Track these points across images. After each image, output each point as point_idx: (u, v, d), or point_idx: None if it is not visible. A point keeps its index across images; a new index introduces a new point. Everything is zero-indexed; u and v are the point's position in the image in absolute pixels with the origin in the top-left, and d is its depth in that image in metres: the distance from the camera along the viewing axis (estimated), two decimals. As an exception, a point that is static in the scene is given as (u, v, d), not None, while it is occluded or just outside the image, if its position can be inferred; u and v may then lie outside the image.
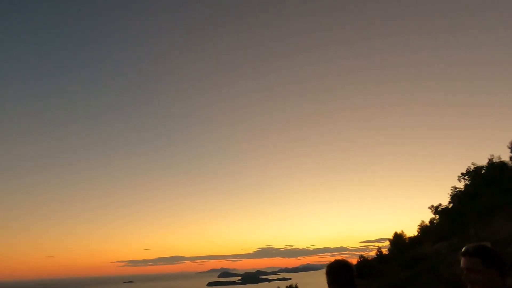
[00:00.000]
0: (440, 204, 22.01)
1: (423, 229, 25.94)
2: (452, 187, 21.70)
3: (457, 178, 20.40)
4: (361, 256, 28.13)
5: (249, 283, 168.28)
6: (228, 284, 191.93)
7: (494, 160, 18.52)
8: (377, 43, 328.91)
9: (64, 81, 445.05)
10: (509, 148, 17.53)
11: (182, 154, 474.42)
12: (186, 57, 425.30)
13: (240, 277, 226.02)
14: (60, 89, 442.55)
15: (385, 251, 28.27)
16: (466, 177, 19.49)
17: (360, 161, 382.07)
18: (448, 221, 18.21)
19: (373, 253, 28.42)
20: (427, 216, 26.35)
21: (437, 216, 22.79)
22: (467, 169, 19.83)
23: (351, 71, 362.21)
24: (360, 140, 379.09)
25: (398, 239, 27.36)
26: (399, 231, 27.87)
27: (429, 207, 23.68)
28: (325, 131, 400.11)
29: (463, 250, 2.18)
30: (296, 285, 24.77)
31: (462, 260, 2.16)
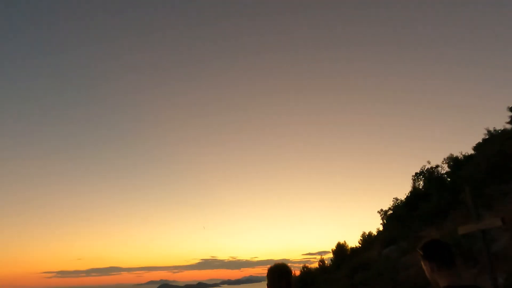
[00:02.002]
0: (390, 208, 22.31)
1: (367, 237, 26.55)
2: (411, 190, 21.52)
3: (411, 177, 20.19)
4: (304, 267, 28.20)
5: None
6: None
7: (448, 160, 18.67)
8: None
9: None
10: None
11: (120, 158, 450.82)
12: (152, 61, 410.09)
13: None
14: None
15: (327, 262, 28.52)
16: (421, 177, 19.76)
17: (303, 174, 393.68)
18: (397, 225, 18.48)
19: (315, 265, 28.54)
20: (370, 228, 26.94)
21: (385, 221, 23.18)
22: (421, 169, 19.95)
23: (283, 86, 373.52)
24: (304, 153, 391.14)
25: (340, 249, 27.72)
26: (341, 242, 28.31)
27: (378, 211, 23.94)
28: (269, 144, 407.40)
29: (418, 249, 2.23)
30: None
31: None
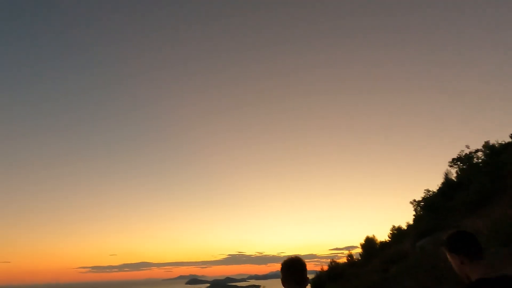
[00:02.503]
0: (424, 198, 20.80)
1: (397, 231, 25.35)
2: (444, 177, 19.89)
3: (448, 164, 18.75)
4: (332, 261, 27.45)
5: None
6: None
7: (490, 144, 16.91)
8: (364, 43, 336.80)
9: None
10: None
11: (151, 159, 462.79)
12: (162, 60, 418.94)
13: (209, 284, 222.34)
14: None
15: (356, 257, 27.66)
16: (458, 163, 18.14)
17: (330, 169, 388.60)
18: (432, 215, 17.16)
19: (343, 260, 27.71)
20: (399, 221, 25.59)
21: (419, 212, 21.70)
22: (458, 154, 18.28)
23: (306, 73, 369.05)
24: (331, 150, 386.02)
25: (369, 243, 26.71)
26: (370, 236, 27.31)
27: (410, 202, 22.46)
28: (295, 139, 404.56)
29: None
30: (263, 287, 23.70)
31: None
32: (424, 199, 20.27)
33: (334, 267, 25.91)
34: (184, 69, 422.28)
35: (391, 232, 26.95)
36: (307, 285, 2.40)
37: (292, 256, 2.48)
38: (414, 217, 22.42)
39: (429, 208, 18.40)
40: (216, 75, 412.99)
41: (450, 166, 18.46)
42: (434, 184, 30.23)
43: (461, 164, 17.76)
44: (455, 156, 18.15)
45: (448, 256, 2.10)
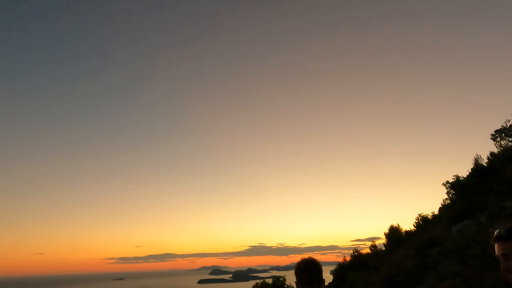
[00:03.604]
0: (459, 178, 19.14)
1: (422, 218, 24.26)
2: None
3: (490, 136, 17.15)
4: (355, 251, 26.77)
5: (240, 281, 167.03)
6: (220, 282, 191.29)
7: None
8: (378, 42, 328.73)
9: (58, 80, 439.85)
10: None
11: (174, 153, 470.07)
12: (178, 59, 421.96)
13: (231, 275, 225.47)
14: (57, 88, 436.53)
15: (379, 247, 26.77)
16: (503, 135, 16.39)
17: (351, 161, 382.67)
18: (470, 197, 15.77)
19: (366, 251, 26.91)
20: (424, 209, 24.23)
21: (452, 195, 20.13)
22: (502, 125, 15.81)
23: (341, 70, 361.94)
24: (352, 141, 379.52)
25: (394, 232, 25.75)
26: (395, 224, 26.35)
27: (443, 184, 20.82)
28: (319, 131, 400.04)
29: (495, 234, 1.84)
30: (284, 277, 23.34)
31: (496, 246, 1.84)
32: (458, 180, 18.77)
33: (357, 257, 25.19)
34: (208, 66, 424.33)
35: (416, 220, 25.92)
36: (323, 287, 2.35)
37: (306, 257, 2.45)
38: (446, 200, 21.07)
39: (465, 189, 16.90)
40: (237, 71, 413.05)
41: (493, 138, 16.75)
42: (461, 170, 28.49)
43: (507, 137, 16.02)
44: (498, 127, 16.37)
45: (500, 247, 1.81)
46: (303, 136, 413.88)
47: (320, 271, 2.35)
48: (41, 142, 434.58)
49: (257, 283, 26.62)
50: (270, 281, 26.63)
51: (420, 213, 25.56)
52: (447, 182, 20.06)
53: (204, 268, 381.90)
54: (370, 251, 26.77)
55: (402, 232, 25.71)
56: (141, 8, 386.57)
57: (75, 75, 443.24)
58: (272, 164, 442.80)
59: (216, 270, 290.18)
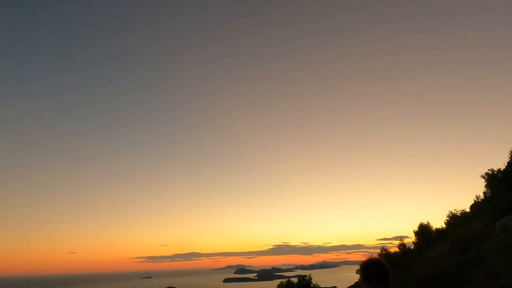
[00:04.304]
0: (501, 170, 17.81)
1: (452, 216, 23.09)
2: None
3: None
4: (383, 250, 25.88)
5: (265, 280, 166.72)
6: (244, 281, 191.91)
7: None
8: (384, 43, 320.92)
9: (66, 81, 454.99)
10: None
11: (198, 153, 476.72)
12: (187, 60, 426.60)
13: (256, 274, 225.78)
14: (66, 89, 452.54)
15: (408, 246, 25.76)
16: None
17: (377, 159, 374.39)
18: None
19: (394, 250, 25.95)
20: (454, 206, 22.98)
21: (493, 188, 18.73)
22: None
23: (355, 72, 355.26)
24: (376, 138, 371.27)
25: (424, 230, 24.68)
26: (424, 222, 25.27)
27: (482, 176, 19.57)
28: (340, 129, 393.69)
29: None
30: (310, 276, 22.84)
31: None
32: (502, 172, 17.47)
33: (386, 256, 24.34)
34: (234, 65, 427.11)
35: (447, 218, 24.74)
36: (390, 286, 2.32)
37: (372, 256, 2.48)
38: (483, 195, 19.82)
39: (509, 181, 15.62)
40: (267, 68, 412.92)
41: None
42: (494, 164, 26.82)
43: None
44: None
45: None
46: (329, 135, 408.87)
47: (389, 269, 2.38)
48: (75, 142, 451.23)
49: (282, 282, 26.28)
50: (295, 280, 26.22)
51: (452, 209, 24.35)
52: (487, 174, 18.66)
53: (229, 267, 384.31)
54: (398, 250, 25.83)
55: (433, 230, 24.62)
56: (151, 10, 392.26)
57: (93, 77, 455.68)
58: (297, 163, 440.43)
59: (241, 269, 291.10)
